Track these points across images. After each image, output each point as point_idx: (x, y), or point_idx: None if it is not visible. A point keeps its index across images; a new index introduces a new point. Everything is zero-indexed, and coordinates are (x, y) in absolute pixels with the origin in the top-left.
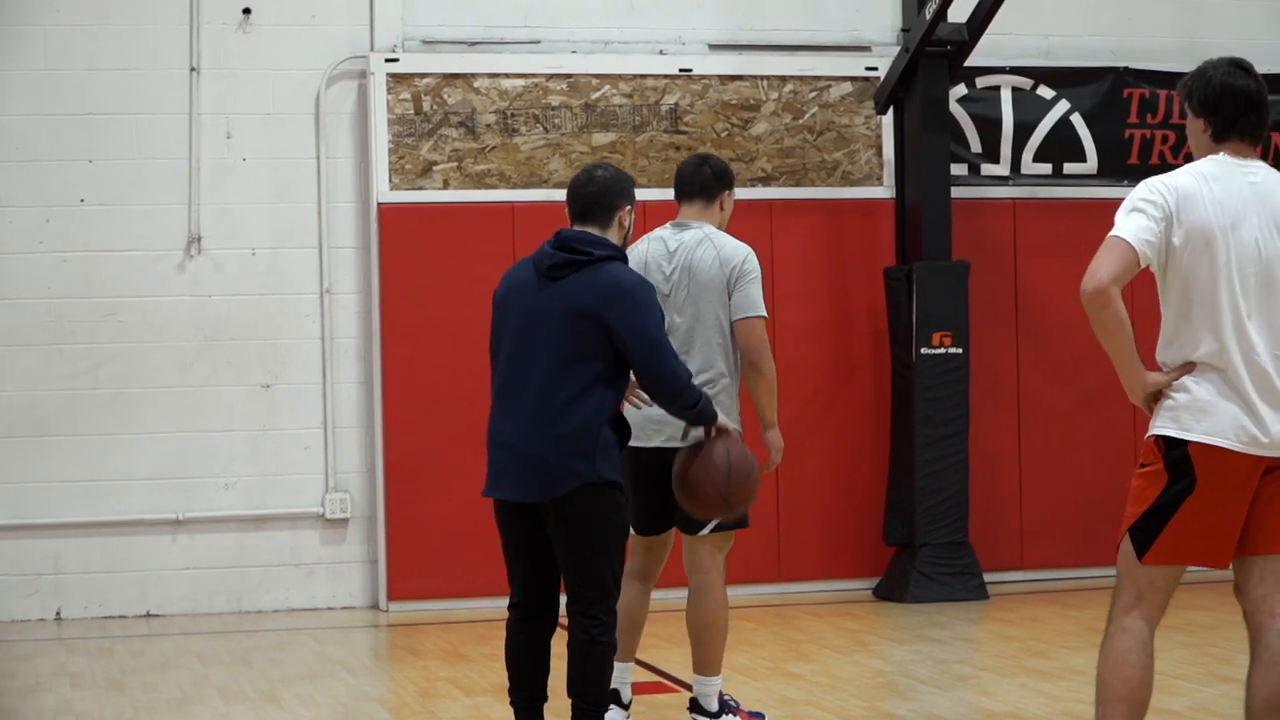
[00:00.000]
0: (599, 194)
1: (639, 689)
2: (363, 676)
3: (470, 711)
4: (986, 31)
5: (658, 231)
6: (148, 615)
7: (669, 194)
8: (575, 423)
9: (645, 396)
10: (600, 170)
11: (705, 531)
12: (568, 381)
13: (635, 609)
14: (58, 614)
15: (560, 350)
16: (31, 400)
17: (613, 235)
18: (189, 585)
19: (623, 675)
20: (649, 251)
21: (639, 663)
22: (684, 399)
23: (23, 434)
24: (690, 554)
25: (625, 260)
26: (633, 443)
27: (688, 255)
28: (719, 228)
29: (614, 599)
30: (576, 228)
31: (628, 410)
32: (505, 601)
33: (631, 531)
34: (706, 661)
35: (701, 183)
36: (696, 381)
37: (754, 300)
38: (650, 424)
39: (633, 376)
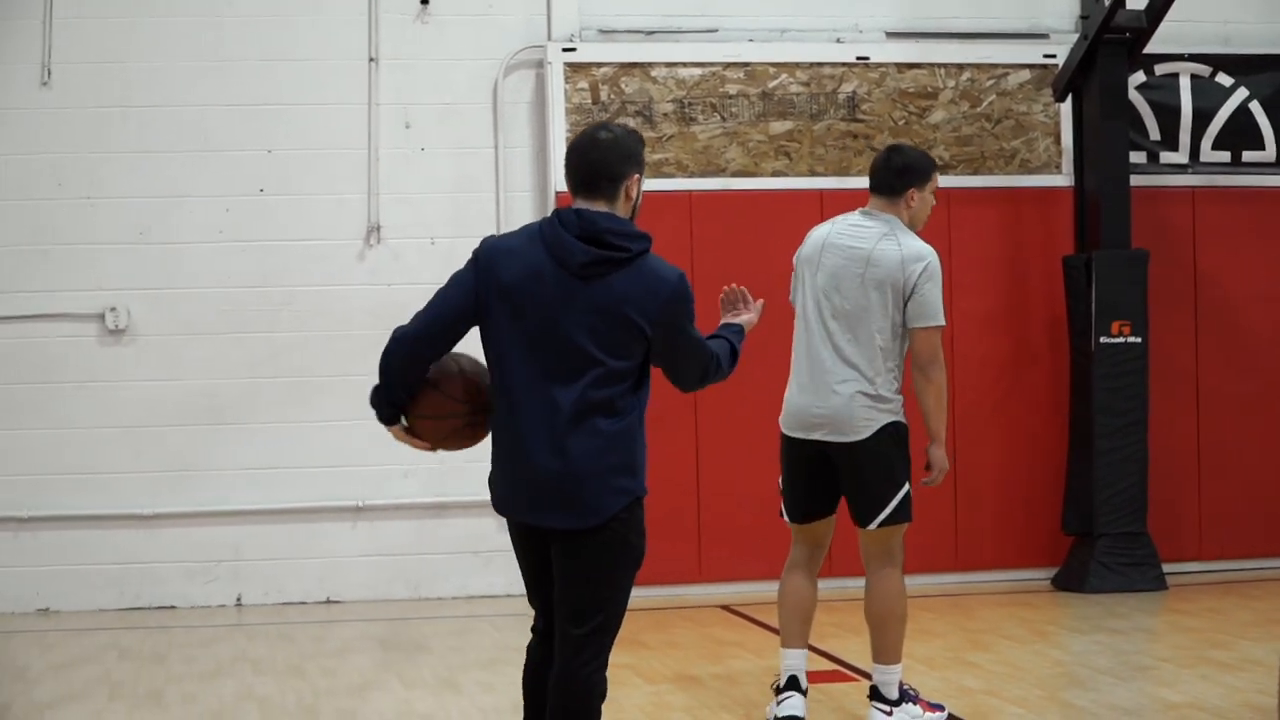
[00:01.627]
0: (603, 161)
1: (817, 677)
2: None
3: (651, 698)
4: (1165, 19)
5: (845, 216)
6: (327, 601)
7: (847, 183)
8: (613, 436)
9: None
10: (604, 131)
11: (875, 525)
12: (607, 391)
13: (802, 598)
14: (238, 600)
15: (601, 357)
16: (211, 389)
17: (620, 210)
18: (368, 572)
19: (798, 662)
20: (830, 233)
21: (817, 650)
22: (722, 372)
23: (203, 422)
24: (864, 546)
25: (650, 247)
26: (795, 433)
27: (869, 246)
28: (909, 225)
29: (614, 634)
30: (581, 203)
31: (790, 397)
32: (686, 589)
33: (789, 520)
34: (885, 650)
35: (883, 177)
36: (851, 385)
37: (934, 308)
38: (813, 418)
39: None
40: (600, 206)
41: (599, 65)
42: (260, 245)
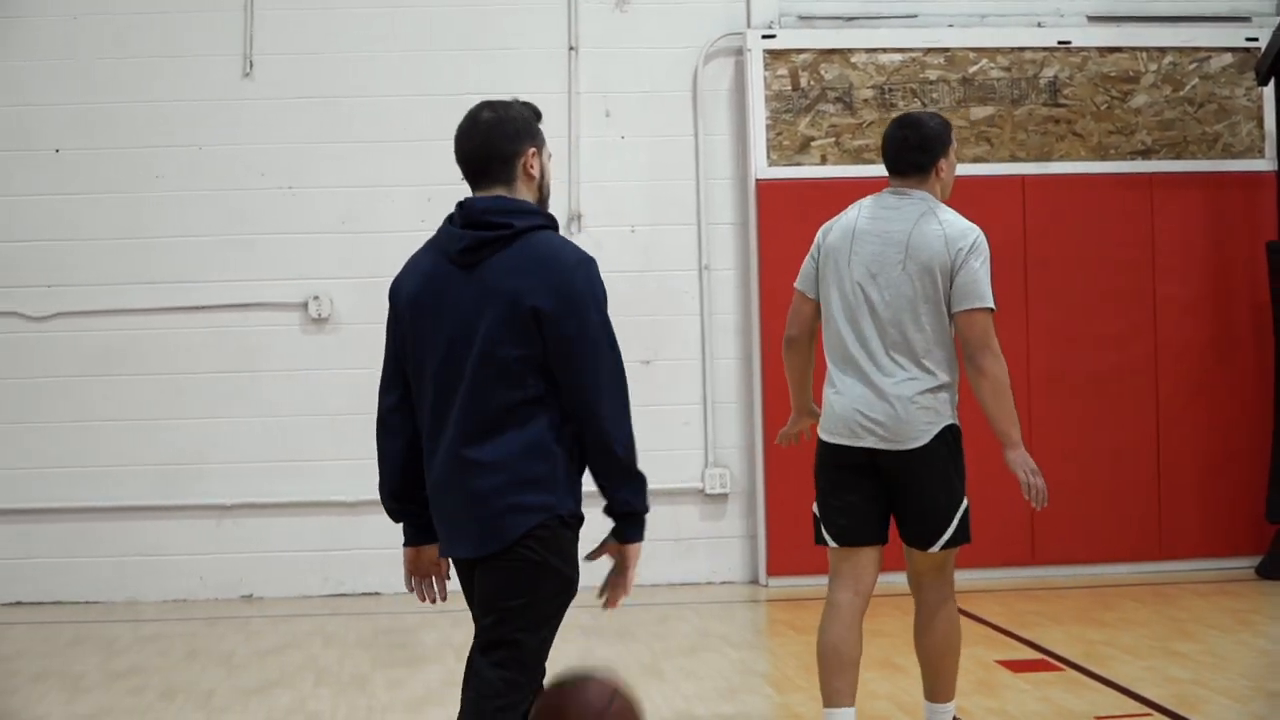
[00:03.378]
0: (485, 143)
1: (1019, 666)
2: (744, 650)
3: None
4: None
5: (869, 199)
6: None
7: (1048, 168)
8: (521, 446)
9: None
10: (486, 111)
11: (937, 548)
12: (510, 394)
13: (847, 643)
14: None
15: (496, 354)
16: None
17: (523, 192)
18: None
19: None
20: (858, 219)
21: (1022, 640)
22: (621, 461)
23: None
24: (918, 572)
25: (557, 227)
26: (839, 440)
27: (907, 228)
28: (942, 199)
29: (539, 673)
30: (479, 193)
31: (829, 396)
32: (900, 577)
33: (832, 545)
34: (940, 689)
35: (907, 157)
36: (906, 385)
37: (981, 288)
38: (861, 420)
39: None
40: (498, 192)
41: (798, 52)
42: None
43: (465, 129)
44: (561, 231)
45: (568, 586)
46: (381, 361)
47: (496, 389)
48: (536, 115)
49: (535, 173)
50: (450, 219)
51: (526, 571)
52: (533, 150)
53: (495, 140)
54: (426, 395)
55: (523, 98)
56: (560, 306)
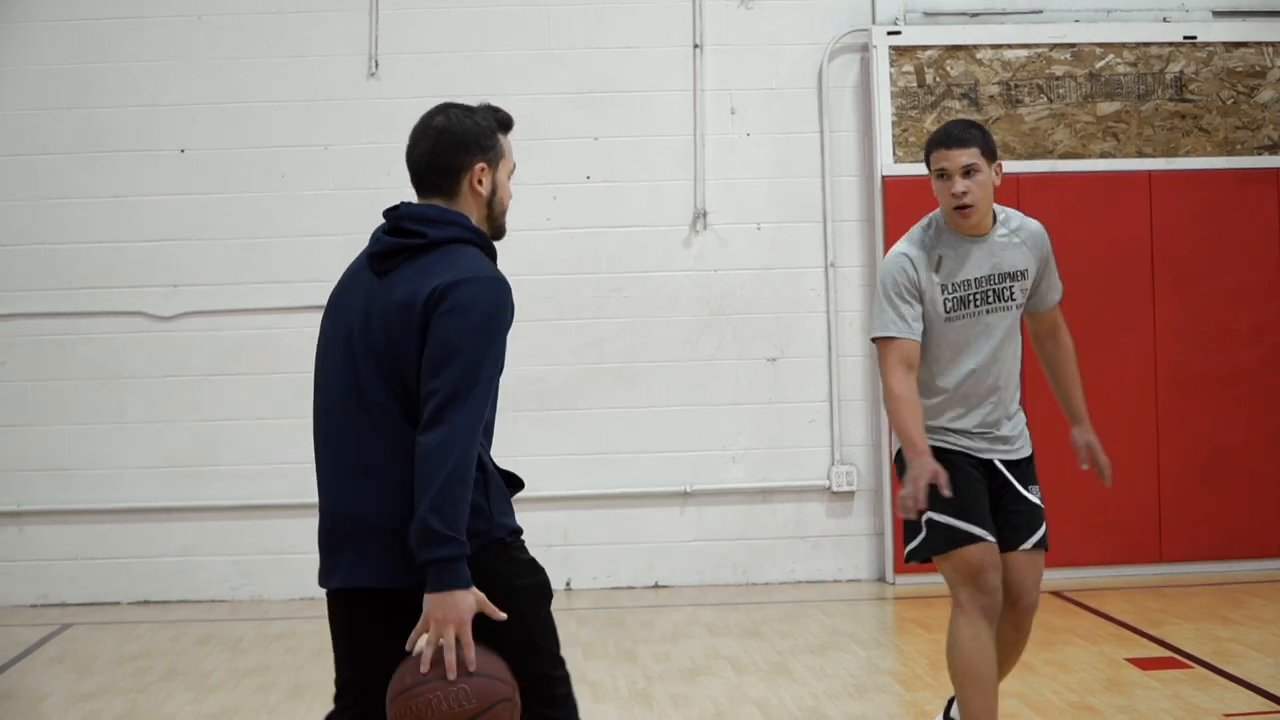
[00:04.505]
0: (429, 151)
1: (1147, 664)
2: (872, 649)
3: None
4: None
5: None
6: (656, 586)
7: (1175, 164)
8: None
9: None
10: (438, 116)
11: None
12: (403, 428)
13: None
14: (567, 584)
15: (395, 375)
16: (539, 374)
17: (467, 207)
18: (696, 557)
19: None
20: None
21: (1151, 638)
22: (435, 512)
23: (531, 408)
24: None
25: (484, 246)
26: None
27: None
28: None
29: (567, 688)
30: (420, 201)
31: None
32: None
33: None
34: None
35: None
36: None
37: (873, 319)
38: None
39: None
40: (434, 202)
41: (924, 48)
42: (587, 232)
43: (415, 131)
44: (686, 229)
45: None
46: (502, 360)
47: (396, 412)
48: (502, 125)
49: (484, 190)
50: (378, 227)
51: None
52: (482, 165)
53: (440, 150)
54: (316, 407)
55: (648, 95)
56: (438, 317)
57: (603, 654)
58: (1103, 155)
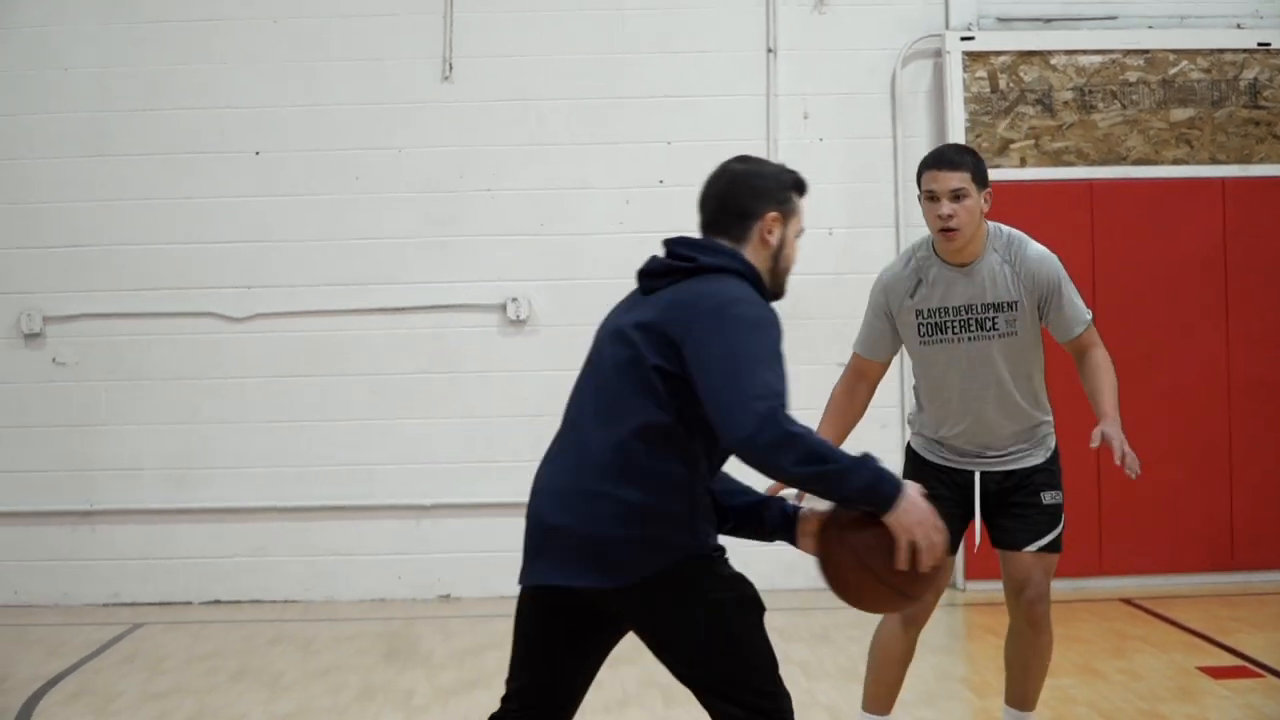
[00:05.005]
0: (728, 194)
1: (1219, 672)
2: (943, 655)
3: (1052, 692)
4: None
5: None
6: None
7: (1249, 170)
8: (652, 481)
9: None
10: (738, 163)
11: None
12: (636, 426)
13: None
14: None
15: (627, 378)
16: None
17: (754, 255)
18: (767, 563)
19: None
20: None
21: (1222, 646)
22: (801, 463)
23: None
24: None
25: (757, 284)
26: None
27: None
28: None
29: (783, 708)
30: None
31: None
32: (1087, 581)
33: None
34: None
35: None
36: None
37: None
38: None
39: None
40: (721, 241)
41: (997, 54)
42: (660, 236)
43: (712, 175)
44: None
45: None
46: (576, 364)
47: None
48: (797, 186)
49: (773, 240)
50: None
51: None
52: (775, 215)
53: (737, 192)
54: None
55: (721, 99)
56: (694, 331)
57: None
58: (1176, 162)
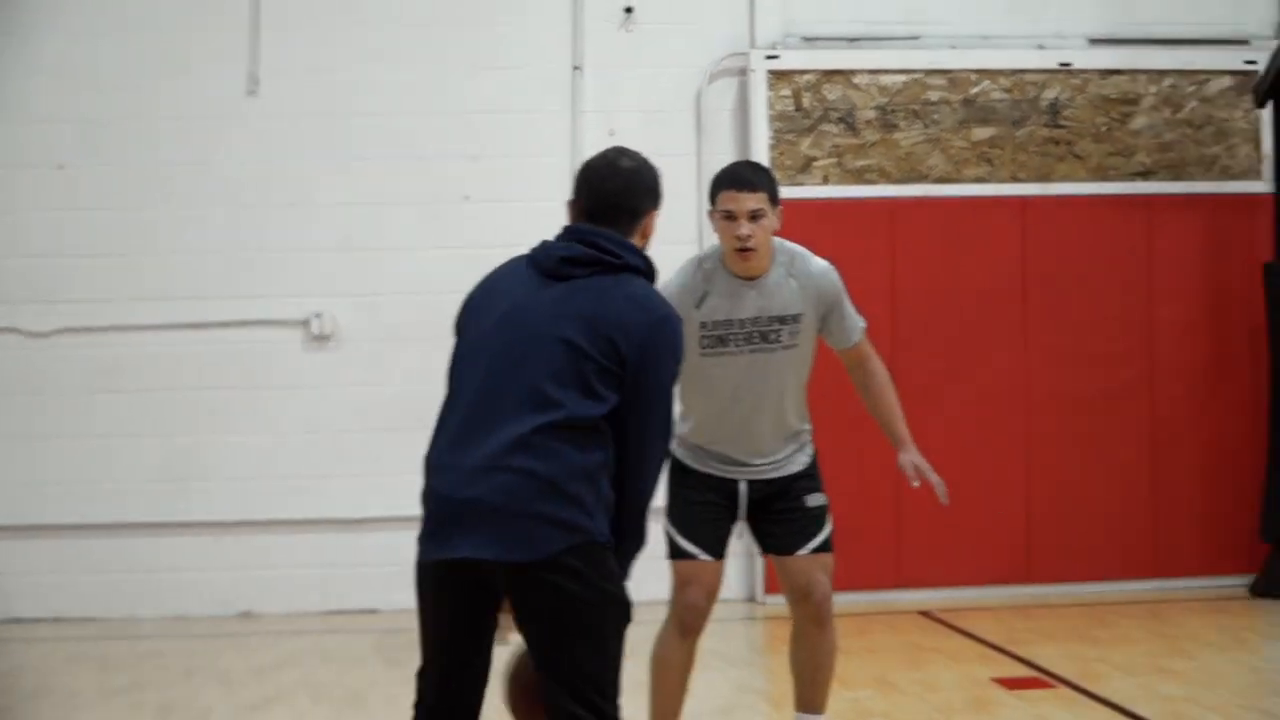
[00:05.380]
0: (623, 193)
1: (1013, 683)
2: (742, 668)
3: (849, 705)
4: None
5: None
6: None
7: (1049, 189)
8: (571, 463)
9: None
10: (626, 160)
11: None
12: (567, 412)
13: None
14: None
15: (564, 368)
16: (415, 394)
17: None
18: None
19: None
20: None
21: (1017, 658)
22: (640, 520)
23: (407, 427)
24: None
25: (652, 279)
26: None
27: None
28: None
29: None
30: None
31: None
32: (894, 595)
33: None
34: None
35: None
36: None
37: None
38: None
39: None
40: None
41: (802, 72)
42: (464, 252)
43: (604, 173)
44: None
45: None
46: (380, 379)
47: (559, 402)
48: (660, 180)
49: (648, 237)
50: (547, 240)
51: None
52: (654, 213)
53: (632, 190)
54: (460, 385)
55: (527, 115)
56: (642, 348)
57: None
58: (977, 180)
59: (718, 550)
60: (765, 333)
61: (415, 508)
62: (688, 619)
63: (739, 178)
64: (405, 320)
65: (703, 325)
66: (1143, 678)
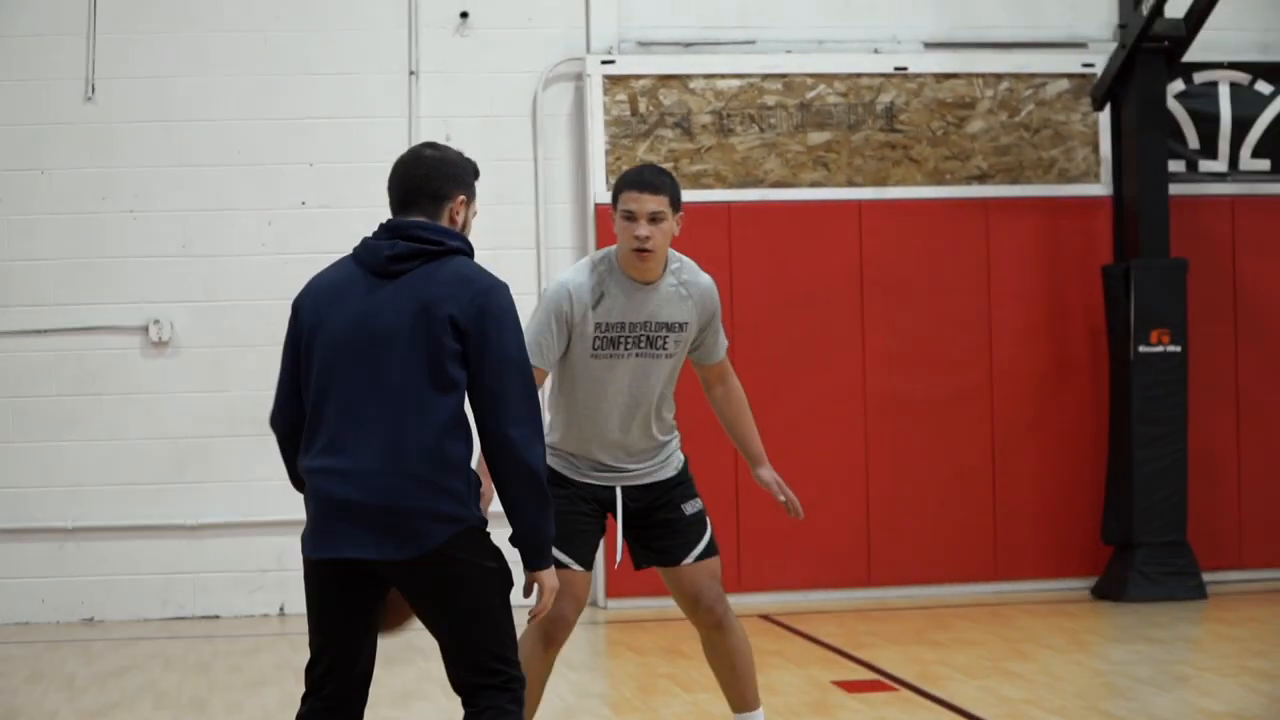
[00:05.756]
0: (425, 178)
1: (853, 686)
2: (583, 673)
3: (690, 708)
4: (1203, 27)
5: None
6: None
7: (885, 193)
8: (444, 458)
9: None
10: (430, 149)
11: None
12: (432, 406)
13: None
14: (281, 609)
15: (418, 363)
16: (255, 400)
17: None
18: None
19: None
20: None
21: (858, 661)
22: (536, 479)
23: (247, 434)
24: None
25: (472, 256)
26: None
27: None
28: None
29: (523, 680)
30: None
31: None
32: (735, 598)
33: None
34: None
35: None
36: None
37: None
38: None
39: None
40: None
41: (638, 77)
42: (303, 258)
43: (408, 162)
44: None
45: None
46: (219, 386)
47: (423, 399)
48: (476, 173)
49: (459, 220)
50: (367, 239)
51: None
52: (463, 198)
53: (434, 176)
54: (317, 397)
55: (364, 121)
56: (480, 320)
57: None
58: (813, 185)
59: (588, 561)
60: (653, 338)
61: (256, 513)
62: (553, 630)
63: (642, 180)
64: (244, 326)
65: (598, 326)
66: (984, 680)
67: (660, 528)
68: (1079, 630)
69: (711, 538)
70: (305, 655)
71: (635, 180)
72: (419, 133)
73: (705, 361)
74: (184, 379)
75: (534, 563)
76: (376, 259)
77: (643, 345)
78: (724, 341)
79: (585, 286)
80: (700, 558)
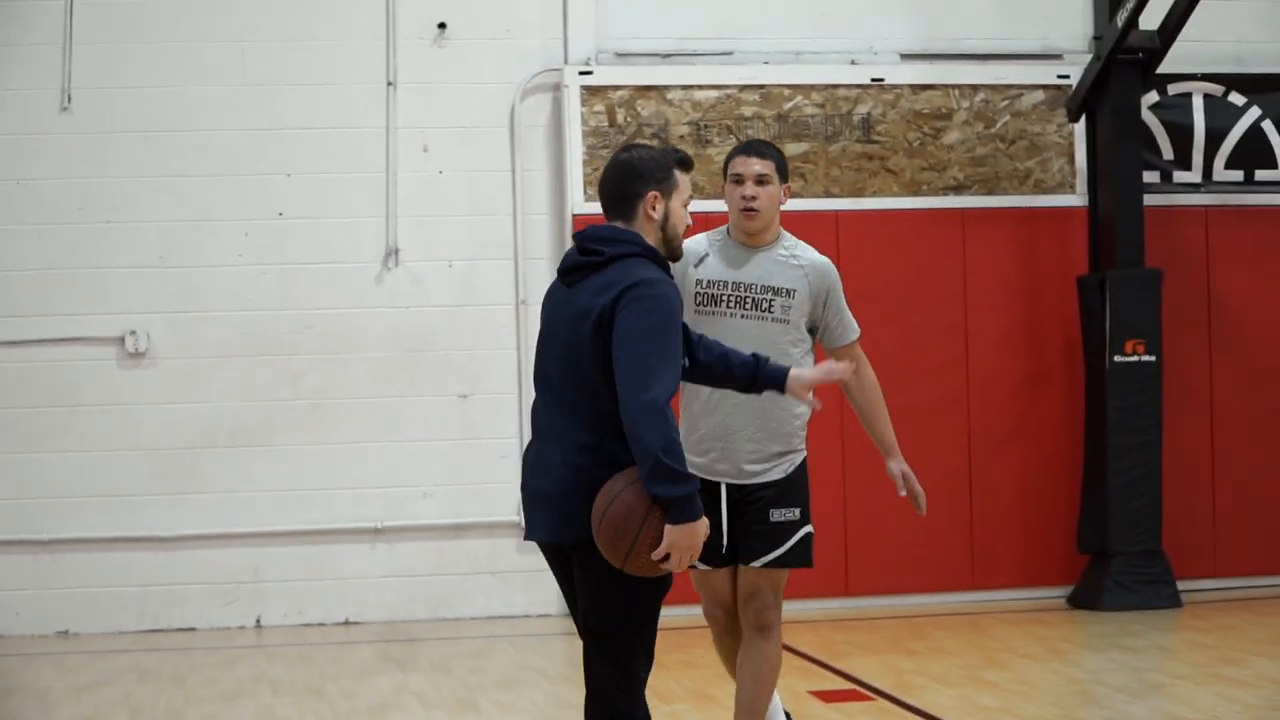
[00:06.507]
0: (615, 181)
1: (830, 696)
2: (561, 684)
3: (668, 718)
4: (1178, 39)
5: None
6: (346, 623)
7: (862, 204)
8: (605, 454)
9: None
10: (622, 152)
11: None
12: (583, 405)
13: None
14: (258, 621)
15: (573, 366)
16: (231, 411)
17: (644, 229)
18: (388, 593)
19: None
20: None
21: (834, 670)
22: (651, 454)
23: (223, 444)
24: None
25: (655, 259)
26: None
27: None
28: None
29: (640, 684)
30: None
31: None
32: (697, 609)
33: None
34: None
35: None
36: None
37: None
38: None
39: None
40: (618, 225)
41: (615, 88)
42: (279, 268)
43: (606, 166)
44: (378, 266)
45: None
46: (196, 397)
47: (577, 399)
48: (680, 164)
49: (656, 215)
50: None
51: None
52: (655, 194)
53: (620, 179)
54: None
55: (341, 132)
56: (619, 312)
57: (290, 690)
58: (791, 195)
59: (714, 558)
60: (759, 300)
61: (232, 525)
62: (714, 627)
63: (750, 147)
64: (221, 337)
65: (698, 283)
66: (960, 689)
67: (746, 528)
68: (1055, 639)
69: (790, 552)
70: (281, 666)
71: (744, 148)
72: (397, 143)
73: (832, 345)
74: (161, 390)
75: (677, 517)
76: (561, 271)
77: (747, 306)
78: (852, 324)
79: (693, 251)
80: (768, 565)
